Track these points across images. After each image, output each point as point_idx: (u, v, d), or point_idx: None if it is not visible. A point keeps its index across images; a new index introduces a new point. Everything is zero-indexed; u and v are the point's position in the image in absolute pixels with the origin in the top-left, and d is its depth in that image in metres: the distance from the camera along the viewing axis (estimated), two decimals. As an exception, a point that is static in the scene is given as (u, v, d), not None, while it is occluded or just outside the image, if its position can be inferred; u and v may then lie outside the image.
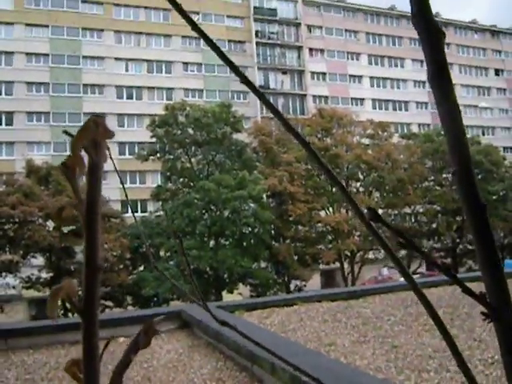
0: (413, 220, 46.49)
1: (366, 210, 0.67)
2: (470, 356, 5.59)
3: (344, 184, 0.70)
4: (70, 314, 34.88)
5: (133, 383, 5.19)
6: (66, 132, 0.74)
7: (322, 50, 61.88)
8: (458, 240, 45.52)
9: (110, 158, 0.78)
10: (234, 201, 33.63)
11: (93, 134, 0.71)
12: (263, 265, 37.73)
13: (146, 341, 0.73)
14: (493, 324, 0.70)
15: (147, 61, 54.29)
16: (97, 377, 0.69)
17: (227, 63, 0.68)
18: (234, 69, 0.70)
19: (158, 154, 38.96)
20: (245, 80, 0.70)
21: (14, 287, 35.86)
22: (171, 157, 38.81)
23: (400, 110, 64.53)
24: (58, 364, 5.87)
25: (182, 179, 39.10)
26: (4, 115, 49.65)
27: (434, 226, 45.46)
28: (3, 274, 34.56)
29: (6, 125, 49.65)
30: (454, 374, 5.03)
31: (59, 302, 0.76)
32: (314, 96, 59.83)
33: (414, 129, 59.92)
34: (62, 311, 36.28)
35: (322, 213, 41.39)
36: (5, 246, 34.52)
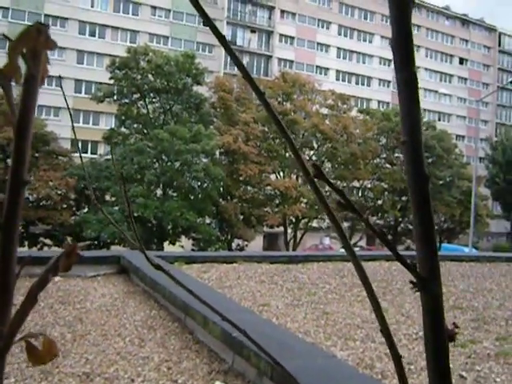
0: (360, 194, 47.31)
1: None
2: (396, 330, 5.79)
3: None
4: None
5: (64, 322, 5.17)
6: (3, 35, 0.69)
7: (293, 14, 61.22)
8: (400, 219, 46.70)
9: (61, 88, 0.75)
10: (187, 153, 33.37)
11: (33, 43, 0.67)
12: (208, 221, 37.82)
13: (67, 264, 0.71)
14: (420, 295, 0.72)
15: (115, -1, 52.60)
16: (10, 296, 0.67)
17: (199, 11, 0.66)
18: (205, 17, 0.68)
19: (115, 97, 38.09)
20: (214, 30, 0.68)
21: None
22: (128, 101, 38.04)
23: (362, 84, 64.87)
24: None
25: (136, 125, 38.46)
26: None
27: (380, 202, 46.46)
28: None
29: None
30: (378, 345, 5.22)
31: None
32: (279, 59, 59.42)
33: (374, 105, 60.47)
34: None
35: (273, 176, 41.61)
36: None
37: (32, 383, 3.83)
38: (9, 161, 32.06)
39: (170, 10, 54.34)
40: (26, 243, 34.41)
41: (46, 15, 49.43)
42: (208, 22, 0.69)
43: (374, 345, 5.25)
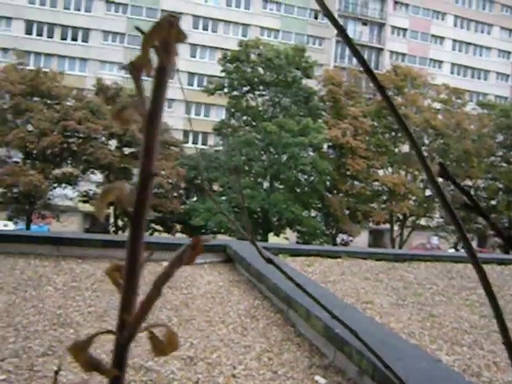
0: (472, 193, 45.23)
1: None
2: (508, 337, 5.49)
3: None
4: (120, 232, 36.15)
5: (171, 306, 5.36)
6: (138, 28, 0.70)
7: (406, 5, 59.44)
8: (515, 220, 44.25)
9: (179, 82, 0.76)
10: (295, 146, 33.49)
11: (165, 35, 0.67)
12: (313, 214, 37.78)
13: (191, 257, 0.72)
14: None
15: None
16: (136, 283, 0.69)
17: (318, 2, 0.65)
18: (324, 8, 0.66)
19: (226, 90, 38.91)
20: (334, 22, 0.66)
21: (71, 199, 37.25)
22: (238, 94, 38.72)
23: (479, 78, 61.78)
24: (104, 277, 6.11)
25: (245, 117, 39.09)
26: (81, 31, 50.35)
27: (494, 203, 44.19)
28: (63, 185, 35.87)
29: (82, 41, 50.42)
30: (487, 352, 4.98)
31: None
32: (391, 52, 58.00)
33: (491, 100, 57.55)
34: (114, 228, 37.63)
35: (381, 172, 40.81)
36: (67, 158, 35.69)
37: (139, 362, 4.01)
38: (125, 149, 33.66)
39: (280, 3, 54.57)
40: (139, 229, 36.08)
41: (162, 10, 51.31)
42: (327, 13, 0.67)
43: (483, 352, 5.02)
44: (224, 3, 53.57)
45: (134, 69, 0.68)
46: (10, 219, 36.07)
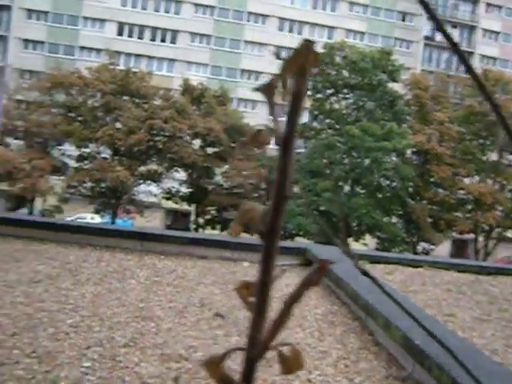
0: None
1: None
2: None
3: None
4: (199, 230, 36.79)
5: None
6: (277, 55, 0.69)
7: (499, 7, 57.09)
8: None
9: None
10: (378, 151, 32.93)
11: (303, 60, 0.68)
12: (394, 220, 37.00)
13: (317, 279, 0.73)
14: None
15: (314, -5, 53.41)
16: (267, 301, 0.69)
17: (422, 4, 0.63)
18: (429, 11, 0.64)
19: (309, 92, 38.81)
20: (439, 25, 0.64)
21: (155, 196, 38.33)
22: (321, 96, 38.52)
23: None
24: (184, 274, 6.25)
25: (328, 120, 38.83)
26: (169, 33, 51.69)
27: None
28: (147, 182, 36.97)
29: (171, 42, 51.75)
30: None
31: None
32: (481, 55, 55.89)
33: None
34: (195, 226, 38.38)
35: (467, 180, 39.41)
36: (152, 156, 36.74)
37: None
38: (208, 149, 34.15)
39: (367, 6, 53.82)
40: (219, 227, 36.68)
41: (249, 13, 51.89)
42: (433, 17, 0.65)
43: None
44: (310, 5, 53.47)
45: (268, 92, 0.68)
46: (96, 212, 37.56)
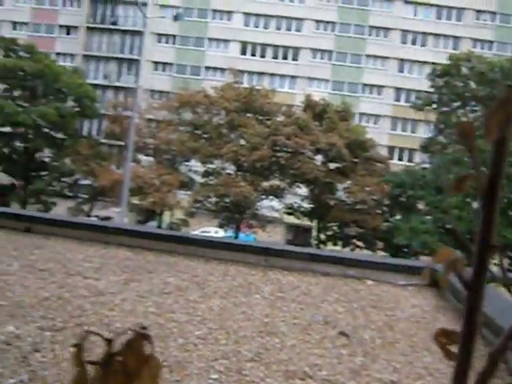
0: None
1: None
2: None
3: None
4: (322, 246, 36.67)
5: (374, 327, 5.28)
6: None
7: None
8: None
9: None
10: (509, 166, 31.13)
11: (509, 107, 0.66)
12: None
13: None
14: None
15: (435, 5, 51.75)
16: (472, 352, 0.67)
17: None
18: None
19: (434, 105, 37.61)
20: None
21: (277, 211, 38.77)
22: (447, 109, 37.16)
23: None
24: (308, 290, 6.24)
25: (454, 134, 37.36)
26: (291, 50, 52.40)
27: None
28: (270, 197, 37.49)
29: (292, 59, 52.44)
30: None
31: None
32: None
33: None
34: (316, 242, 38.30)
35: None
36: (275, 172, 37.23)
37: (340, 379, 4.00)
38: (330, 164, 33.98)
39: (495, 13, 51.30)
40: (340, 243, 36.35)
41: (370, 26, 51.37)
42: None
43: None
44: (433, 16, 51.95)
45: (466, 135, 0.66)
46: (220, 226, 38.62)
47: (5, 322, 4.24)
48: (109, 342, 0.76)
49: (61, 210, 36.58)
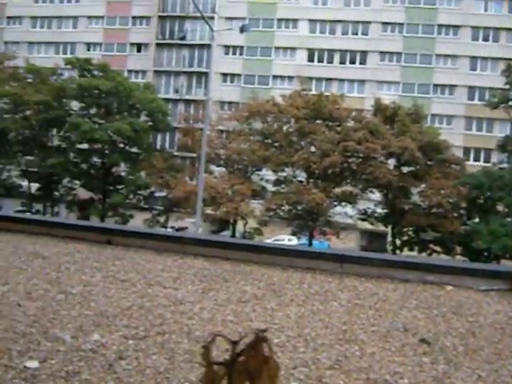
0: None
1: None
2: None
3: None
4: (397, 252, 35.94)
5: (456, 334, 5.14)
6: None
7: None
8: None
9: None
10: None
11: None
12: None
13: None
14: None
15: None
16: None
17: None
18: None
19: (511, 102, 36.22)
20: None
21: (350, 217, 38.39)
22: (526, 106, 35.77)
23: None
24: (386, 297, 6.13)
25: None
26: (358, 54, 51.89)
27: None
28: (343, 203, 37.18)
29: (360, 64, 51.91)
30: None
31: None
32: None
33: None
34: (391, 247, 37.61)
35: None
36: (347, 177, 36.91)
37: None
38: (403, 168, 33.41)
39: None
40: (416, 248, 35.53)
41: (439, 25, 50.13)
42: None
43: None
44: (506, 10, 50.09)
45: None
46: (293, 234, 38.62)
47: (90, 331, 4.41)
48: (234, 344, 0.81)
49: (138, 222, 37.63)
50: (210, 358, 0.73)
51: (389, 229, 38.45)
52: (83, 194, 41.79)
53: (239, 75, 53.69)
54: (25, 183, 43.41)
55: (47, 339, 4.16)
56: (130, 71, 54.56)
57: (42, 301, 5.14)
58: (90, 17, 58.05)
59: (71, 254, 7.40)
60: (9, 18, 60.70)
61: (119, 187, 41.08)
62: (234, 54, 54.18)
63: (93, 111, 41.67)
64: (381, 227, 38.91)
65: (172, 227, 38.27)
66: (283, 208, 37.11)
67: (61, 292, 5.47)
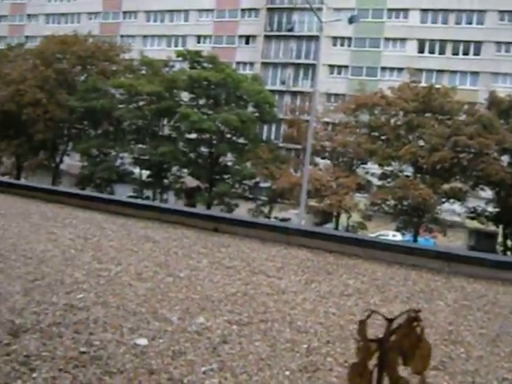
0: None
1: None
2: None
3: None
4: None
5: None
6: None
7: None
8: None
9: None
10: None
11: None
12: None
13: None
14: None
15: None
16: None
17: None
18: None
19: None
20: None
21: (458, 215, 36.98)
22: None
23: None
24: (496, 300, 5.87)
25: None
26: (473, 45, 49.62)
27: None
28: (451, 200, 35.88)
29: (474, 55, 49.62)
30: None
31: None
32: None
33: None
34: (502, 248, 35.85)
35: None
36: (456, 173, 35.54)
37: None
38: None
39: None
40: (530, 251, 33.66)
41: None
42: None
43: None
44: None
45: None
46: (397, 230, 37.77)
47: (196, 313, 4.56)
48: (389, 321, 0.83)
49: (242, 211, 38.29)
50: (366, 333, 0.76)
51: (500, 229, 36.66)
52: (191, 182, 43.08)
53: (346, 67, 53.02)
54: (136, 170, 45.37)
55: (156, 319, 4.35)
56: (238, 63, 55.43)
57: (152, 282, 5.38)
58: (200, 10, 59.55)
59: (179, 239, 7.68)
60: (124, 12, 63.59)
61: (225, 177, 41.95)
62: (342, 45, 53.54)
63: (202, 102, 42.77)
64: (491, 227, 37.17)
65: (275, 218, 38.61)
66: (388, 203, 36.37)
67: (169, 275, 5.70)
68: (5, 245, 6.34)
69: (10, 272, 5.28)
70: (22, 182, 27.04)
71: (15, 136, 46.23)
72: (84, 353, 3.62)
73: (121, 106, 43.70)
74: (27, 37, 65.28)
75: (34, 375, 3.26)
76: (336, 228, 37.57)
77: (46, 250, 6.29)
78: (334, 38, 52.68)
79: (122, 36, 61.39)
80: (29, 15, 69.51)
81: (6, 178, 24.49)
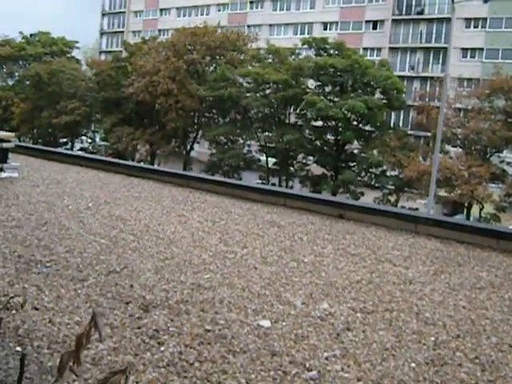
0: None
1: None
2: None
3: None
4: None
5: None
6: None
7: None
8: None
9: None
10: None
11: None
12: None
13: None
14: None
15: None
16: None
17: None
18: None
19: None
20: None
21: None
22: None
23: None
24: None
25: None
26: None
27: None
28: None
29: None
30: None
31: None
32: None
33: None
34: None
35: None
36: None
37: None
38: None
39: None
40: None
41: None
42: None
43: None
44: None
45: None
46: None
47: (320, 299, 4.54)
48: None
49: (368, 199, 37.66)
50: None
51: None
52: (316, 169, 43.02)
53: (481, 49, 50.08)
54: (263, 158, 46.07)
55: (279, 302, 4.38)
56: (365, 49, 54.28)
57: (276, 266, 5.43)
58: (326, -4, 59.10)
59: (304, 224, 7.69)
60: (251, 2, 64.57)
61: (351, 164, 41.42)
62: (476, 26, 50.59)
63: (328, 89, 42.43)
64: None
65: (402, 207, 37.59)
66: (526, 194, 34.16)
67: (293, 260, 5.72)
68: (138, 226, 6.70)
69: (143, 251, 5.56)
70: (156, 167, 28.45)
71: (149, 125, 48.79)
72: (209, 331, 3.73)
73: (248, 94, 44.47)
74: (160, 30, 68.30)
75: (162, 349, 3.41)
76: (467, 219, 35.88)
77: (176, 231, 6.57)
78: (467, 20, 49.90)
79: (248, 26, 62.37)
80: (161, 10, 72.75)
81: (141, 164, 25.88)
